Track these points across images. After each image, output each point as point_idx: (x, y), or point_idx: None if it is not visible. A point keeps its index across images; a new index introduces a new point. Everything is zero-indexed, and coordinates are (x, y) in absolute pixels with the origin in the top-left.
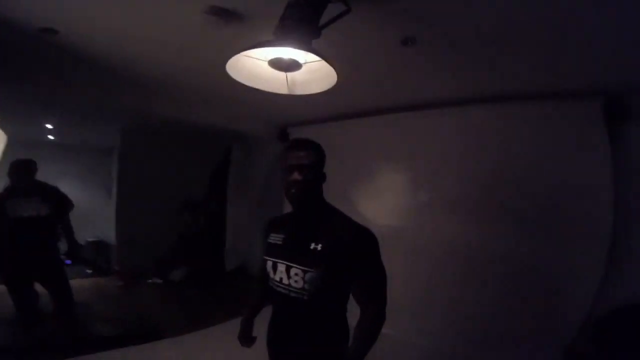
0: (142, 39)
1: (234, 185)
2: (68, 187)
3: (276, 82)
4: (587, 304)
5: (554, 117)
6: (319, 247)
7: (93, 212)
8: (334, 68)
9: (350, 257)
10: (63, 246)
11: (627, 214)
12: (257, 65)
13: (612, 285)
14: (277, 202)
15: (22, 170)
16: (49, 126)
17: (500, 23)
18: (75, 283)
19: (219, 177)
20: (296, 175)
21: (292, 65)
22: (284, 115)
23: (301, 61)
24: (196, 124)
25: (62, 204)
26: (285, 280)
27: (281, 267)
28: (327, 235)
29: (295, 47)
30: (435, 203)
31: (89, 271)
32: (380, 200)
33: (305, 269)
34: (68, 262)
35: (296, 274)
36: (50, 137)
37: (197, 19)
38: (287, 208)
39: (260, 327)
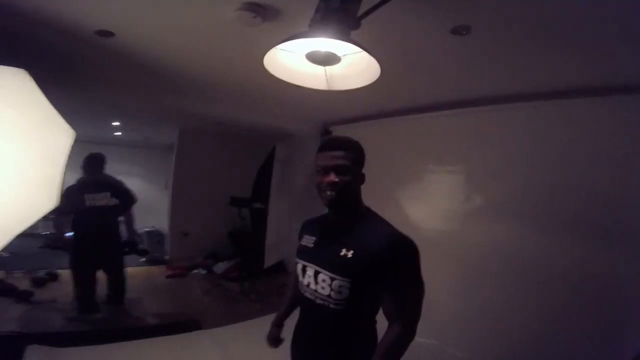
0: (189, 42)
1: (276, 183)
2: (131, 180)
3: (315, 78)
4: None
5: (625, 115)
6: (350, 254)
7: (150, 204)
8: (376, 59)
9: (382, 267)
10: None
11: None
12: (294, 60)
13: None
14: (317, 202)
15: (94, 163)
16: (115, 124)
17: (564, 13)
18: (129, 271)
19: (264, 175)
20: (332, 177)
21: (329, 59)
22: (327, 113)
23: (339, 54)
24: (244, 124)
25: (128, 197)
26: (312, 285)
27: (310, 272)
28: (360, 242)
29: (331, 38)
30: (490, 208)
31: (142, 259)
32: (429, 203)
33: (333, 276)
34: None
35: (324, 280)
36: (118, 133)
37: (234, 19)
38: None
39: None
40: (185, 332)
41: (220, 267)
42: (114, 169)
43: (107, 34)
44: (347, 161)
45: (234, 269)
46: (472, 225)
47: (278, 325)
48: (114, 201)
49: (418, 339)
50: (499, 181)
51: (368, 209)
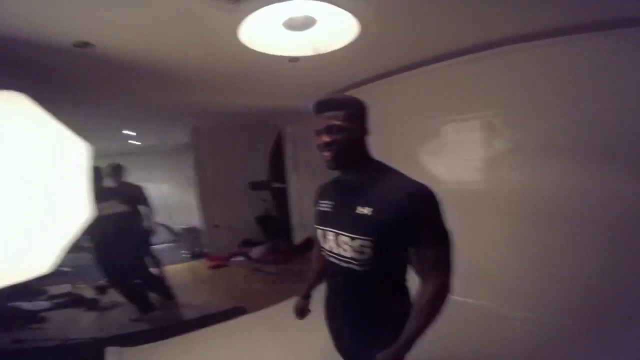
0: (167, 38)
1: (291, 163)
2: (157, 186)
3: (297, 46)
4: None
5: None
6: (367, 210)
7: (182, 203)
8: (355, 16)
9: (405, 220)
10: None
11: None
12: (272, 32)
13: None
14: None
15: (111, 173)
16: (128, 132)
17: None
18: (172, 268)
19: (277, 155)
20: (324, 137)
21: (307, 23)
22: (331, 82)
23: (316, 17)
24: (249, 109)
25: (145, 199)
26: (335, 250)
27: (330, 235)
28: (376, 197)
29: None
30: (516, 153)
31: (186, 255)
32: (449, 154)
33: (353, 236)
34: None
35: (345, 242)
36: (133, 142)
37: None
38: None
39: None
40: (232, 318)
41: (256, 252)
42: (138, 177)
43: (87, 45)
44: (338, 119)
45: (268, 252)
46: (496, 172)
47: (305, 296)
48: (125, 208)
49: (470, 300)
50: (521, 124)
51: (378, 162)
